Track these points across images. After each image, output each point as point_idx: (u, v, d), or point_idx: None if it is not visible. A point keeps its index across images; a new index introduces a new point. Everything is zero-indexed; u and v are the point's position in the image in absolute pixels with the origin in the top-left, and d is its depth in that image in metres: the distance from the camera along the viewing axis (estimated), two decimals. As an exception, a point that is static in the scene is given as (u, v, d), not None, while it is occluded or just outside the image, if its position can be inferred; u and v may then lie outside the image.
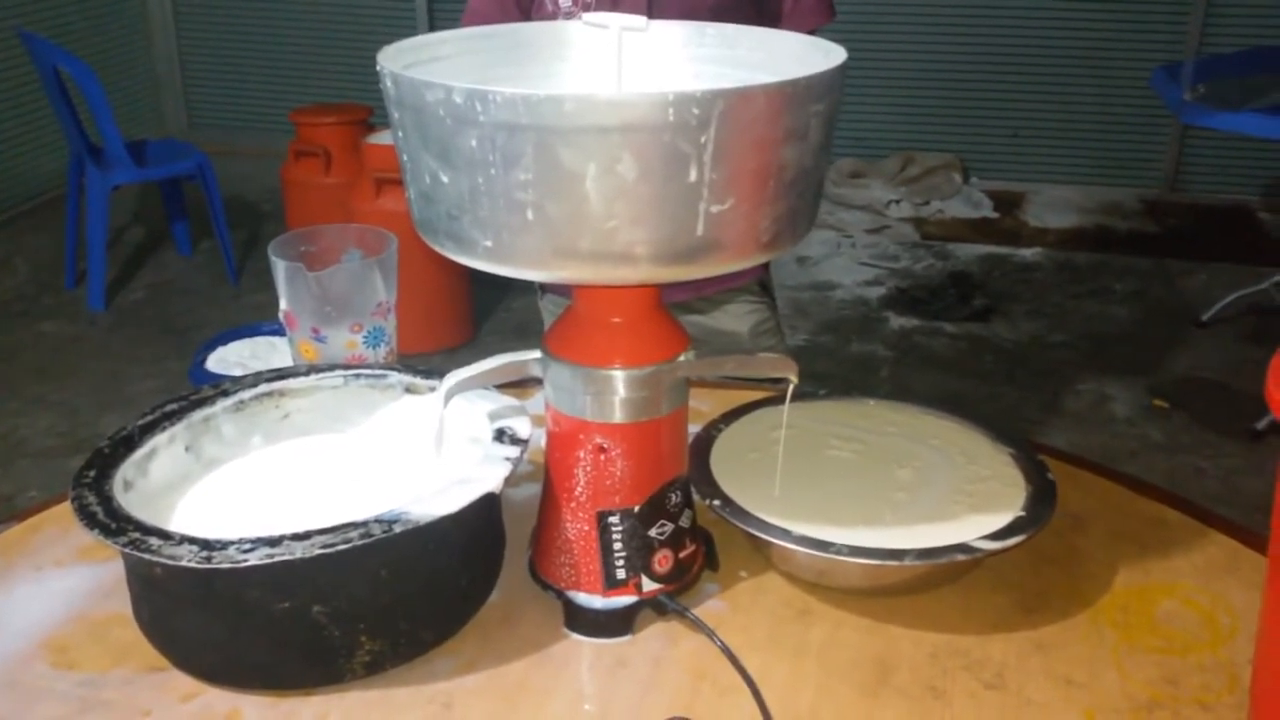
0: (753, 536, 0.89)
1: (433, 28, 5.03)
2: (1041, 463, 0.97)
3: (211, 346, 1.97)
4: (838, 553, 0.85)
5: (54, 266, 3.97)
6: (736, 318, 1.61)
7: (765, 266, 1.64)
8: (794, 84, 0.71)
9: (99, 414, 3.06)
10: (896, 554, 0.85)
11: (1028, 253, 4.28)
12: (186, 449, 0.93)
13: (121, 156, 3.60)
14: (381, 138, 3.40)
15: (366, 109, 3.89)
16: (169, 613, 0.81)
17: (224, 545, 0.74)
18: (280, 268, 1.05)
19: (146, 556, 0.74)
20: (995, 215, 4.59)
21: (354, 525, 0.76)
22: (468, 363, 0.86)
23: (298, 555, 0.73)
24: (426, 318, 3.31)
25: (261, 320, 2.26)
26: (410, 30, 4.41)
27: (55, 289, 3.88)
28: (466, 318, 3.55)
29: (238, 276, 3.92)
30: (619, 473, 0.84)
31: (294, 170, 3.82)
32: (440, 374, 0.91)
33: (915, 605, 0.90)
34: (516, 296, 3.73)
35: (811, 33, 1.33)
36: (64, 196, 3.94)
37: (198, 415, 0.94)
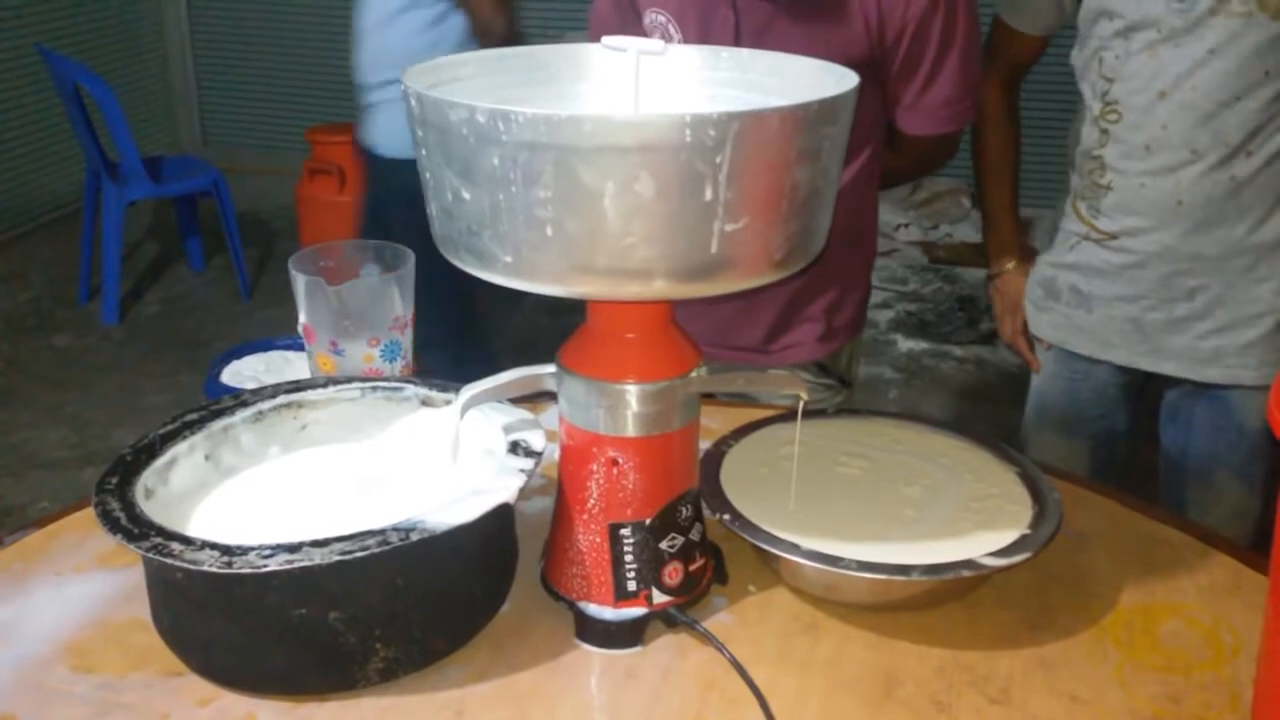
0: (762, 551, 0.91)
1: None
2: (1048, 481, 0.98)
3: (226, 360, 1.99)
4: (846, 568, 0.86)
5: (68, 280, 4.00)
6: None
7: (828, 346, 1.50)
8: (807, 107, 0.73)
9: (111, 427, 3.09)
10: (904, 569, 0.86)
11: (1036, 278, 4.29)
12: (206, 458, 0.94)
13: (138, 172, 3.64)
14: (395, 157, 3.43)
15: (381, 128, 3.92)
16: (188, 618, 0.83)
17: (244, 551, 0.76)
18: (300, 282, 1.06)
19: (168, 561, 0.76)
20: (1003, 240, 4.60)
21: (372, 533, 0.77)
22: (477, 379, 0.88)
23: (316, 561, 0.75)
24: (437, 335, 3.33)
25: (274, 335, 2.28)
26: (424, 51, 4.45)
27: (69, 303, 3.91)
28: (476, 336, 3.57)
29: (250, 292, 3.95)
30: (631, 486, 0.86)
31: (308, 187, 3.86)
32: (455, 387, 0.92)
33: (922, 621, 0.91)
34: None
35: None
36: (79, 211, 3.98)
37: (217, 425, 0.95)
